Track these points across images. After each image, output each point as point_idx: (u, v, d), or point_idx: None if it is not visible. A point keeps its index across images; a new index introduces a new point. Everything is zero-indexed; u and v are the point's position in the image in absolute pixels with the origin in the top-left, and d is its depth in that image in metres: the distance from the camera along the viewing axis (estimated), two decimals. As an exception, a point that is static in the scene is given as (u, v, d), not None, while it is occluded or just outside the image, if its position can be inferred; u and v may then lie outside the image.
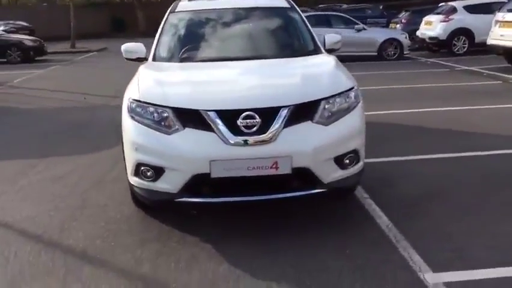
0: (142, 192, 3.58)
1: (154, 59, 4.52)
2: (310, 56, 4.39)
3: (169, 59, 4.54)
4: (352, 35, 14.37)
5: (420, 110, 7.59)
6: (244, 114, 3.32)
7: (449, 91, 9.41)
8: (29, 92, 11.34)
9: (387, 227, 3.68)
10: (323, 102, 3.51)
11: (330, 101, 3.56)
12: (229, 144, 3.29)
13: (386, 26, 20.48)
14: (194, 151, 3.33)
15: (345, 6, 26.65)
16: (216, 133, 3.31)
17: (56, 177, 5.02)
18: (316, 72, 4.00)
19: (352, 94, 3.72)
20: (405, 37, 15.28)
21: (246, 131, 3.32)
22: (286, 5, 5.07)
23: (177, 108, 3.43)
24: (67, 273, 3.21)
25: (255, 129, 3.32)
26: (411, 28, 17.12)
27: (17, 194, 4.62)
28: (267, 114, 3.35)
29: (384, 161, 5.18)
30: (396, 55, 14.94)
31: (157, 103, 3.51)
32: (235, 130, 3.32)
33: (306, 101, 3.47)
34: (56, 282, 3.11)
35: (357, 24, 15.29)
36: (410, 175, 4.76)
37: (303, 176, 3.42)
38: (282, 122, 3.35)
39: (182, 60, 4.50)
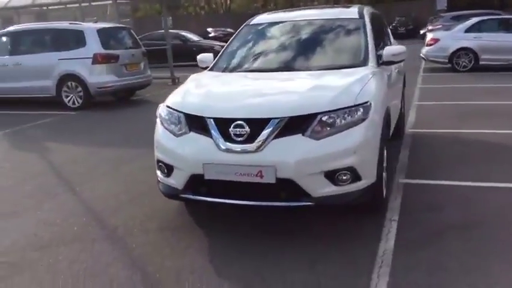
0: (160, 185, 4.06)
1: (211, 69, 4.97)
2: (350, 69, 4.31)
3: (223, 69, 4.91)
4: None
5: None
6: (234, 123, 3.57)
7: None
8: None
9: (383, 252, 3.51)
10: (319, 116, 3.54)
11: (328, 116, 3.56)
12: (220, 149, 3.58)
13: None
14: (192, 153, 3.70)
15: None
16: (212, 139, 3.63)
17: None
18: (327, 86, 3.95)
19: (360, 110, 3.63)
20: None
21: (236, 139, 3.56)
22: (355, 16, 5.03)
23: (187, 114, 3.84)
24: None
25: (244, 138, 3.54)
26: None
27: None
28: (257, 125, 3.53)
29: (456, 185, 4.78)
30: None
31: (176, 108, 3.97)
32: (228, 137, 3.59)
33: (299, 114, 3.55)
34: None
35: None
36: (466, 204, 4.32)
37: (288, 187, 3.51)
38: (270, 132, 3.49)
39: (231, 70, 4.84)
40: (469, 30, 13.58)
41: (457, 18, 19.57)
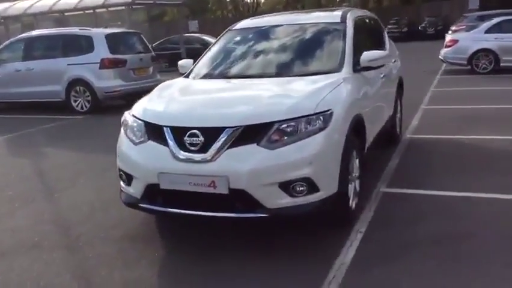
0: (122, 194, 3.99)
1: (187, 75, 4.87)
2: (321, 76, 4.13)
3: (197, 75, 4.78)
4: None
5: None
6: (189, 132, 3.46)
7: None
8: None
9: (338, 267, 3.33)
10: (275, 125, 3.39)
11: (285, 124, 3.41)
12: (176, 159, 3.47)
13: None
14: (148, 162, 3.61)
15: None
16: (168, 148, 3.53)
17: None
18: (290, 93, 3.79)
19: (320, 118, 3.47)
20: None
21: (191, 148, 3.45)
22: (337, 20, 4.85)
23: (147, 122, 3.76)
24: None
25: (198, 147, 3.43)
26: None
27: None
28: (211, 134, 3.41)
29: (440, 196, 4.53)
30: None
31: (137, 116, 3.89)
32: (183, 146, 3.48)
33: (254, 123, 3.41)
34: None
35: None
36: (446, 216, 4.09)
37: (241, 198, 3.37)
38: (224, 142, 3.37)
39: (204, 77, 4.71)
40: (489, 30, 13.08)
41: (482, 18, 18.92)
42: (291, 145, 3.37)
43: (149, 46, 11.79)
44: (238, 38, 5.15)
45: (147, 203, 3.70)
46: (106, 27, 11.64)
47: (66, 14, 15.01)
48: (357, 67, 4.38)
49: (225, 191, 3.35)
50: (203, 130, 3.44)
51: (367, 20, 5.72)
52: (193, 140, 3.44)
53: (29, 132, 8.99)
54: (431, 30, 33.70)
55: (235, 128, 3.39)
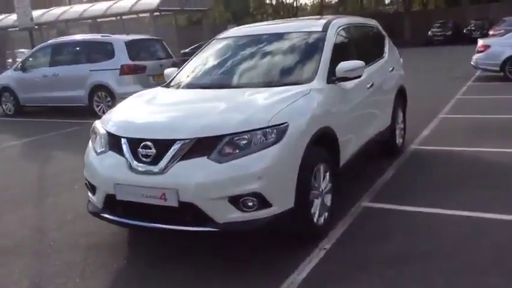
0: (88, 203, 4.03)
1: (167, 85, 4.89)
2: (291, 86, 4.06)
3: (175, 85, 4.79)
4: None
5: None
6: (143, 143, 3.48)
7: None
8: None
9: (287, 286, 3.24)
10: (226, 138, 3.36)
11: (237, 137, 3.36)
12: (130, 170, 3.50)
13: None
14: (105, 172, 3.66)
15: None
16: (125, 159, 3.56)
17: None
18: (247, 105, 3.74)
19: (274, 131, 3.40)
20: None
21: (144, 159, 3.47)
22: (318, 29, 4.75)
23: (109, 132, 3.81)
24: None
25: (150, 159, 3.44)
26: None
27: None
28: (163, 146, 3.42)
29: (422, 212, 4.35)
30: None
31: (102, 126, 3.95)
32: (138, 158, 3.50)
33: (205, 135, 3.39)
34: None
35: None
36: (420, 234, 3.92)
37: (191, 212, 3.35)
38: (175, 154, 3.37)
39: (179, 86, 4.71)
40: (524, 35, 12.51)
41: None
42: (241, 159, 3.32)
43: (170, 52, 11.94)
44: (220, 47, 5.14)
45: (108, 213, 3.74)
46: (128, 34, 11.90)
47: (97, 20, 15.49)
48: (332, 78, 4.28)
49: (175, 204, 3.34)
50: (155, 142, 3.45)
51: (359, 28, 5.57)
52: (146, 152, 3.46)
53: (48, 136, 9.30)
54: (476, 33, 32.45)
55: (186, 141, 3.37)
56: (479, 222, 4.06)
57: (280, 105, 3.63)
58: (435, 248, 3.65)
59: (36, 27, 14.57)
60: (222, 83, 4.53)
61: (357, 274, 3.34)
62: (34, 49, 12.19)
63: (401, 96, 6.24)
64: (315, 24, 4.91)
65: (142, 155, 3.48)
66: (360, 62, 4.34)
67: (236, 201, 3.30)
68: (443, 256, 3.52)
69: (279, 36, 4.87)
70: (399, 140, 6.27)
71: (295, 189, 3.48)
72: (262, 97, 3.86)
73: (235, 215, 3.33)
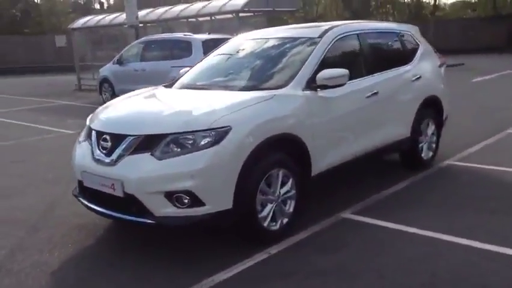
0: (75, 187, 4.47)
1: (169, 85, 5.15)
2: (259, 91, 4.12)
3: (178, 85, 5.05)
4: None
5: None
6: (103, 136, 3.83)
7: None
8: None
9: (207, 282, 3.37)
10: (169, 137, 3.57)
11: (180, 137, 3.56)
12: (93, 160, 3.88)
13: None
14: (77, 160, 4.10)
15: None
16: (91, 149, 3.95)
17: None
18: (198, 107, 3.87)
19: (212, 134, 3.53)
20: None
21: (102, 151, 3.82)
22: (314, 35, 4.71)
23: (88, 125, 4.22)
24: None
25: (107, 151, 3.78)
26: None
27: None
28: (117, 140, 3.74)
29: (395, 230, 4.16)
30: None
31: (88, 118, 4.37)
32: (99, 149, 3.86)
33: (151, 133, 3.63)
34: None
35: None
36: (374, 251, 3.78)
37: (134, 203, 3.61)
38: (125, 148, 3.67)
39: (179, 86, 4.95)
40: None
41: None
42: (179, 157, 3.51)
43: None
44: (223, 51, 5.34)
45: (82, 197, 4.15)
46: (208, 33, 12.49)
47: (192, 19, 16.43)
48: (312, 85, 4.25)
49: (121, 194, 3.63)
50: (112, 136, 3.79)
51: (374, 35, 5.38)
52: (104, 144, 3.81)
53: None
54: None
55: (135, 137, 3.65)
56: (439, 245, 3.81)
57: (230, 109, 3.75)
58: (376, 265, 3.52)
59: (141, 25, 15.85)
60: (207, 85, 4.73)
61: (277, 282, 3.35)
62: (129, 45, 13.32)
63: (431, 107, 5.87)
64: (315, 31, 4.87)
65: (102, 147, 3.83)
66: (343, 70, 4.25)
67: (171, 197, 3.51)
68: (375, 275, 3.39)
69: (279, 42, 4.93)
70: (427, 153, 5.92)
71: (233, 192, 3.58)
72: (222, 100, 3.99)
73: (171, 210, 3.53)
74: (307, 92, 4.22)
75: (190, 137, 3.55)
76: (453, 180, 5.53)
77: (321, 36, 4.66)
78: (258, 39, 5.18)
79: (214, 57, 5.32)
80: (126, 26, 15.47)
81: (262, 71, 4.63)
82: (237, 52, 5.13)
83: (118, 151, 3.69)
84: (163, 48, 12.14)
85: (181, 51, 11.57)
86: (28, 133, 9.59)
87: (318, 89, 4.28)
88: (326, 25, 5.02)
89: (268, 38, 5.08)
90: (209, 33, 12.43)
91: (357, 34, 5.06)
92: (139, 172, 3.56)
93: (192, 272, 3.53)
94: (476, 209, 4.57)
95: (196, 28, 16.73)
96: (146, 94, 4.81)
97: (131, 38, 14.71)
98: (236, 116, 3.70)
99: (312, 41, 4.65)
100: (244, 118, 3.71)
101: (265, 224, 3.85)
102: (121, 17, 16.63)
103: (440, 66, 6.23)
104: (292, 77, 4.28)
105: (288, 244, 3.93)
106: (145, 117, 3.95)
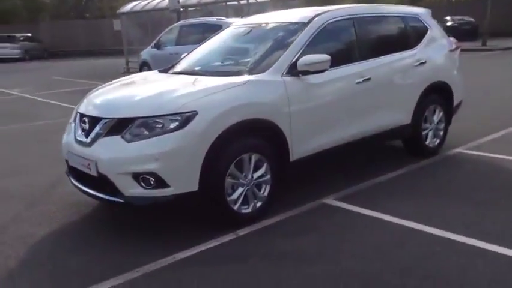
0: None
1: (165, 70, 5.25)
2: (235, 77, 4.17)
3: (170, 70, 5.18)
4: None
5: None
6: (83, 118, 4.04)
7: None
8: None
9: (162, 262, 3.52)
10: (138, 121, 3.71)
11: (148, 120, 3.70)
12: (75, 141, 4.10)
13: None
14: (64, 140, 4.33)
15: None
16: (74, 130, 4.18)
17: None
18: (170, 91, 3.98)
19: (178, 118, 3.64)
20: None
21: (82, 133, 4.03)
22: (303, 20, 4.68)
23: (75, 107, 4.45)
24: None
25: (85, 132, 3.99)
26: None
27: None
28: (93, 122, 3.93)
29: (373, 217, 4.14)
30: None
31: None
32: (81, 131, 4.08)
33: (122, 116, 3.80)
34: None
35: None
36: (343, 237, 3.79)
37: (106, 182, 3.79)
38: (99, 130, 3.86)
39: (174, 72, 5.04)
40: None
41: None
42: (145, 140, 3.65)
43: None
44: (220, 36, 5.40)
45: (70, 176, 4.39)
46: (241, 17, 12.48)
47: (228, 3, 16.53)
48: (294, 71, 4.25)
49: (96, 174, 3.83)
50: (90, 118, 3.99)
51: (373, 19, 5.25)
52: (83, 126, 4.01)
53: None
54: None
55: (109, 120, 3.82)
56: (407, 234, 3.76)
57: (199, 94, 3.84)
58: (337, 251, 3.54)
59: (182, 9, 16.13)
60: (194, 70, 4.84)
61: (232, 264, 3.45)
62: (166, 29, 13.60)
63: (438, 93, 5.68)
64: (305, 15, 4.82)
65: (82, 128, 4.04)
66: (325, 56, 4.22)
67: (138, 178, 3.66)
68: (332, 260, 3.41)
69: (267, 27, 4.95)
70: (433, 141, 5.76)
71: (199, 175, 3.68)
72: (197, 86, 4.09)
73: (138, 191, 3.69)
74: (288, 78, 4.22)
75: (159, 120, 3.68)
76: (454, 169, 5.36)
77: (309, 22, 4.63)
78: (252, 24, 5.21)
79: (209, 43, 5.41)
80: (169, 10, 15.78)
81: (247, 57, 4.68)
82: (230, 38, 5.20)
83: (93, 133, 3.89)
84: (197, 32, 12.29)
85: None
86: (64, 114, 10.07)
87: (300, 75, 4.28)
88: (319, 10, 4.96)
89: (261, 23, 5.10)
90: (242, 17, 12.45)
91: (352, 19, 4.97)
92: (110, 153, 3.73)
93: (158, 249, 3.68)
94: (464, 199, 4.43)
95: (239, 11, 16.81)
96: (135, 79, 4.98)
97: (174, 22, 15.02)
98: (204, 101, 3.78)
99: (299, 26, 4.63)
100: (211, 103, 3.78)
101: (235, 207, 3.93)
102: (165, 1, 16.97)
103: (452, 50, 6.00)
104: (271, 63, 4.29)
105: (258, 227, 4.00)
106: (120, 101, 4.12)
